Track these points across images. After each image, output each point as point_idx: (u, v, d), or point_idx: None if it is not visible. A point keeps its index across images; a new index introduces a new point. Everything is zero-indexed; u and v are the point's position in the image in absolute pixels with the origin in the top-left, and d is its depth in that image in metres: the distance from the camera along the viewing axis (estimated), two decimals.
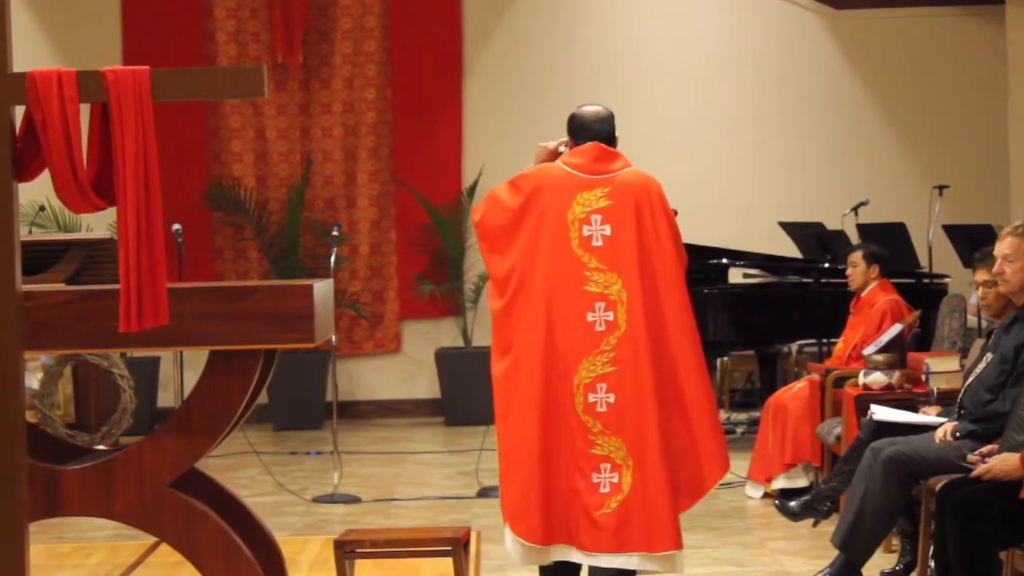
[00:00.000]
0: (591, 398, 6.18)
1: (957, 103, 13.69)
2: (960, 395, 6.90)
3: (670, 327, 6.24)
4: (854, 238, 11.63)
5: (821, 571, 6.91)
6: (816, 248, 11.91)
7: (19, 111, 4.55)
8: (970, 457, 6.27)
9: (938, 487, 6.18)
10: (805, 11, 13.74)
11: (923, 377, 7.88)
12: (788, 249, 12.32)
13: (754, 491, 9.35)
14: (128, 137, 4.44)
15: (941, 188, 11.97)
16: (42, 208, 12.26)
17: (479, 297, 13.33)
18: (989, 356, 6.76)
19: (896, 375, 8.37)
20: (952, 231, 11.26)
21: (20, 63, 4.51)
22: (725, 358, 12.75)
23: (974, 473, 6.02)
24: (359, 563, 6.36)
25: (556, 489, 6.14)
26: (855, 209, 12.08)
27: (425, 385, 13.66)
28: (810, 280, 11.41)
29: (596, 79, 13.58)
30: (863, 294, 9.41)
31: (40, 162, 4.52)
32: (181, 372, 11.24)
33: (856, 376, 8.55)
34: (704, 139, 13.67)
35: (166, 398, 12.64)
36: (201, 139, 13.56)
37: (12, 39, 4.49)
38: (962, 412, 6.81)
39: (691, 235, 11.58)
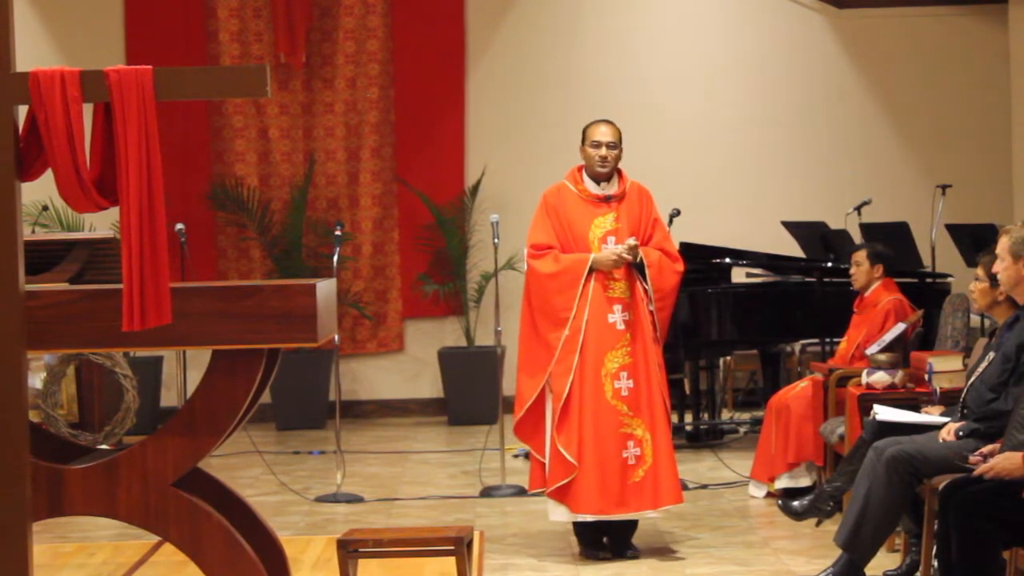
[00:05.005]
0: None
1: (960, 102, 13.68)
2: (963, 394, 6.90)
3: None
4: (857, 237, 11.61)
5: (824, 571, 6.91)
6: (819, 247, 11.90)
7: (22, 110, 4.55)
8: (972, 458, 6.26)
9: (941, 487, 6.17)
10: (807, 10, 13.73)
11: (926, 376, 7.88)
12: (791, 248, 12.31)
13: (757, 491, 9.34)
14: (131, 137, 4.45)
15: (944, 187, 11.95)
16: (45, 208, 12.25)
17: (482, 297, 13.32)
18: (992, 355, 6.76)
19: (899, 374, 8.37)
20: (955, 230, 11.25)
21: (23, 63, 4.51)
22: (728, 357, 12.73)
23: (977, 472, 6.02)
24: (362, 562, 6.36)
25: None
26: (858, 208, 12.07)
27: (428, 385, 13.65)
28: (813, 279, 11.39)
29: (599, 78, 13.58)
30: (866, 293, 9.40)
31: (43, 161, 4.53)
32: (184, 372, 11.25)
33: (859, 375, 8.54)
34: (707, 139, 13.66)
35: (169, 398, 12.63)
36: (204, 139, 13.56)
37: (15, 39, 4.49)
38: (965, 411, 6.81)
39: (694, 234, 11.65)
